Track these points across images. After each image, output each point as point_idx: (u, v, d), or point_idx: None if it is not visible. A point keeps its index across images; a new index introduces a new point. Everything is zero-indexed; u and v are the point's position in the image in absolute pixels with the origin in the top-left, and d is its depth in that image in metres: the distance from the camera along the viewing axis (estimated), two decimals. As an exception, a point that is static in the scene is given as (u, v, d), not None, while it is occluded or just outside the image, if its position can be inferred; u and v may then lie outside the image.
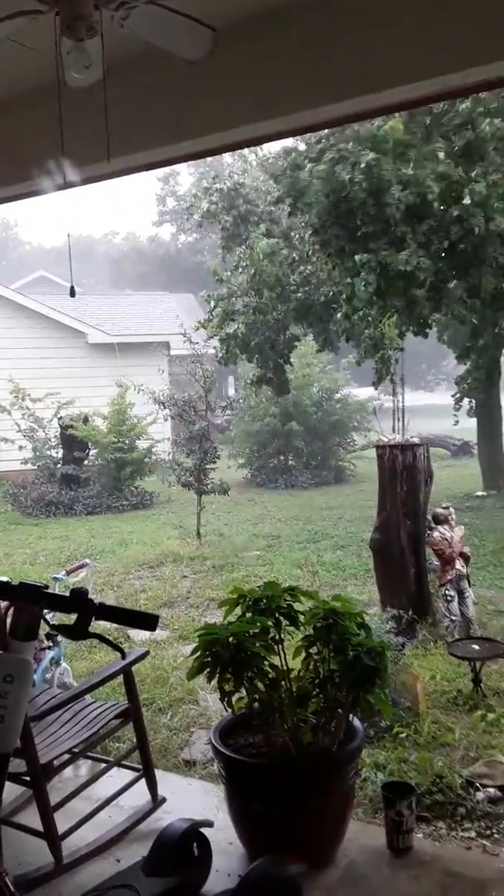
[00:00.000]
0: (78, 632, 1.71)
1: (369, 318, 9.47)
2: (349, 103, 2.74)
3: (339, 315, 10.66)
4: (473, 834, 3.09)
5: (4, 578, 1.84)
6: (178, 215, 32.42)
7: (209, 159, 23.97)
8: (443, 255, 9.18)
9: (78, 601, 1.72)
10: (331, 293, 11.13)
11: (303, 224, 10.53)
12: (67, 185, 3.37)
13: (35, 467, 13.19)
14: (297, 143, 10.53)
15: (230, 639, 2.69)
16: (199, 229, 14.60)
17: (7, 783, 2.69)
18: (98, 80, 2.67)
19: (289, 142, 11.06)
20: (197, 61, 2.63)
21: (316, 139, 9.65)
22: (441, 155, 8.83)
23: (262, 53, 2.82)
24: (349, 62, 2.65)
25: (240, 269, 12.18)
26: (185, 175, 36.22)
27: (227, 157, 15.19)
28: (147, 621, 1.75)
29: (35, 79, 3.16)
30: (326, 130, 9.41)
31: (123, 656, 1.92)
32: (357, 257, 9.26)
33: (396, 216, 8.94)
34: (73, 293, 2.88)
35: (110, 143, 2.83)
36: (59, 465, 12.87)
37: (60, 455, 13.10)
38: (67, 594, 1.76)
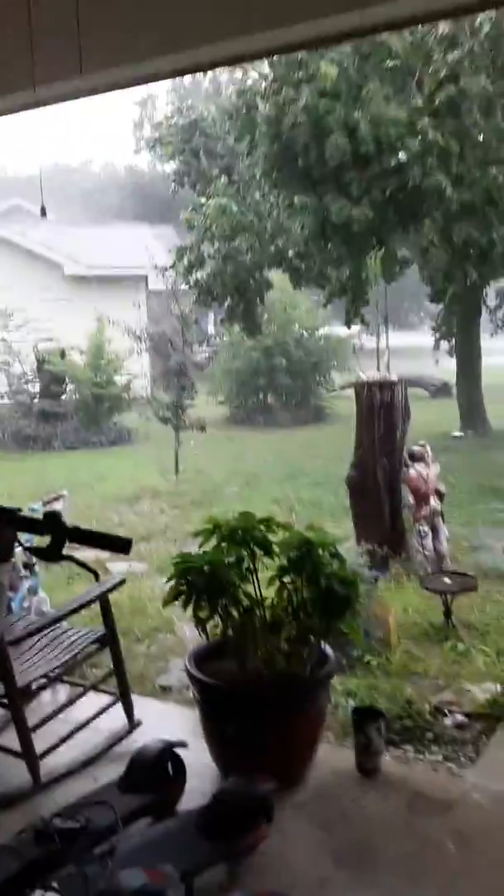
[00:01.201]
0: (51, 553, 1.71)
1: (328, 261, 9.32)
2: (345, 17, 2.62)
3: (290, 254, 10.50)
4: (440, 757, 3.21)
5: (-22, 501, 1.83)
6: (154, 143, 31.42)
7: (187, 85, 23.20)
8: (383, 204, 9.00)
9: (51, 524, 1.72)
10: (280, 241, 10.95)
11: (254, 165, 10.26)
12: (37, 102, 3.23)
13: (11, 402, 13.04)
14: (256, 83, 10.15)
15: (205, 567, 2.72)
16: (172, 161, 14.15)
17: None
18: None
19: (248, 79, 10.64)
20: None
21: (273, 78, 9.32)
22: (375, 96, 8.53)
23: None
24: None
25: (203, 218, 11.90)
26: (163, 100, 34.98)
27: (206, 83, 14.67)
28: (120, 544, 1.76)
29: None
30: (277, 71, 9.10)
31: (97, 577, 1.93)
32: (296, 199, 9.08)
33: (341, 161, 8.70)
34: (43, 213, 2.78)
35: (84, 56, 2.71)
36: (36, 400, 12.74)
37: (37, 389, 12.96)
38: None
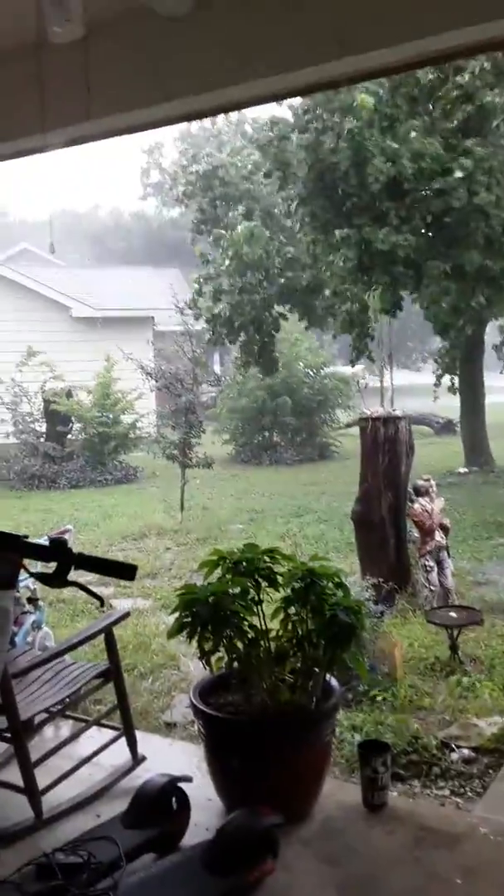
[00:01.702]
0: (57, 579, 1.73)
1: (348, 294, 9.46)
2: (340, 63, 2.70)
3: (327, 293, 10.65)
4: (447, 792, 3.18)
5: (-16, 528, 1.85)
6: (162, 189, 32.04)
7: (194, 132, 23.76)
8: (424, 231, 9.18)
9: (57, 550, 1.74)
10: (315, 275, 11.13)
11: (289, 199, 10.48)
12: (47, 146, 3.33)
13: (18, 441, 13.12)
14: (285, 114, 10.46)
15: (210, 598, 2.72)
16: (186, 209, 14.53)
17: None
18: (79, 37, 2.65)
19: (276, 113, 10.97)
20: (179, 18, 2.60)
21: (303, 110, 9.60)
22: (416, 130, 8.77)
23: (246, 11, 2.78)
24: (337, 19, 2.62)
25: (221, 251, 12.16)
26: (170, 147, 35.75)
27: (210, 130, 15.04)
28: (125, 571, 1.78)
29: (14, 36, 3.10)
30: (312, 101, 9.36)
31: (102, 604, 1.94)
32: (338, 232, 9.24)
33: (378, 189, 8.91)
34: (52, 249, 2.85)
35: (91, 103, 2.81)
36: (42, 439, 12.82)
37: (44, 429, 13.05)
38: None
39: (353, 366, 11.08)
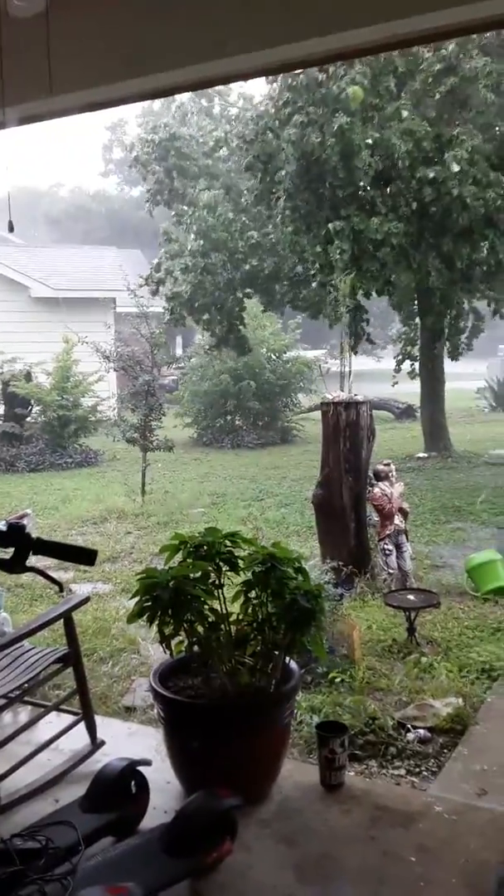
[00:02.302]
0: (15, 565, 1.71)
1: (337, 284, 9.48)
2: (306, 45, 2.68)
3: (314, 284, 10.62)
4: (403, 772, 3.24)
5: None
6: (124, 166, 31.69)
7: (157, 109, 23.47)
8: (411, 218, 9.21)
9: (15, 535, 1.72)
10: (282, 262, 11.10)
11: (269, 191, 10.39)
12: (6, 122, 3.25)
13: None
14: (268, 108, 10.34)
15: (170, 582, 2.72)
16: (144, 182, 14.37)
17: None
18: (41, 10, 2.58)
19: (229, 97, 10.88)
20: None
21: (284, 102, 9.52)
22: (405, 113, 8.78)
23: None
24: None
25: (184, 226, 12.06)
26: (134, 124, 35.26)
27: (173, 108, 14.86)
28: (85, 556, 1.77)
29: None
30: (294, 94, 9.31)
31: (61, 589, 1.93)
32: (331, 225, 9.23)
33: (366, 180, 8.91)
34: (11, 228, 2.79)
35: (53, 78, 2.74)
36: (0, 422, 12.63)
37: (1, 412, 12.86)
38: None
39: (354, 353, 11.11)
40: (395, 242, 9.09)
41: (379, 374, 18.10)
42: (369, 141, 8.82)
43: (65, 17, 2.72)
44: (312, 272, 10.26)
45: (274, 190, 10.10)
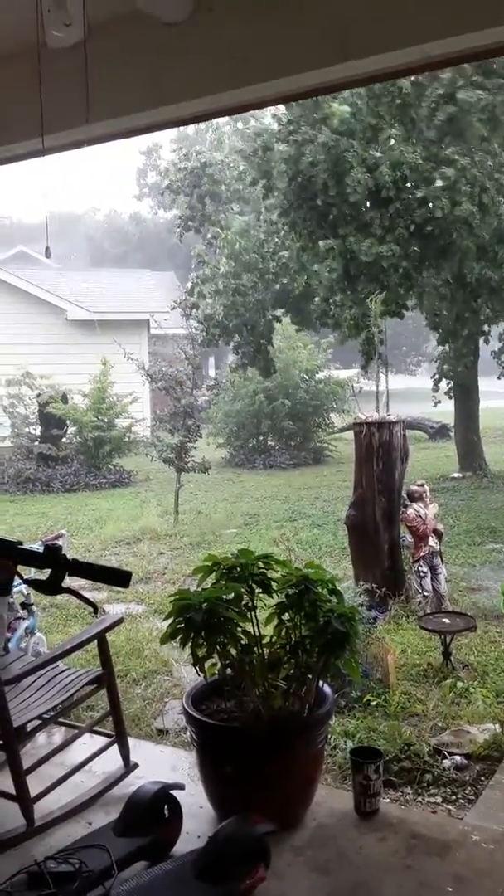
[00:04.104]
0: (51, 586, 1.72)
1: (346, 301, 9.47)
2: (333, 70, 2.71)
3: (316, 299, 10.69)
4: (439, 799, 3.17)
5: (-22, 535, 1.85)
6: (158, 190, 32.20)
7: (191, 133, 23.82)
8: (409, 240, 9.18)
9: (51, 557, 1.74)
10: (305, 281, 11.17)
11: (272, 207, 10.52)
12: (45, 150, 3.33)
13: (12, 444, 13.10)
14: (270, 124, 10.51)
15: (203, 604, 2.72)
16: (176, 207, 14.65)
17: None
18: (79, 41, 2.65)
19: (265, 120, 11.04)
20: (177, 24, 2.61)
21: (287, 120, 9.62)
22: (394, 139, 8.79)
23: (241, 17, 2.78)
24: (331, 26, 2.63)
25: (216, 250, 12.19)
26: (168, 149, 35.79)
27: (209, 133, 15.18)
28: (120, 577, 1.77)
29: (13, 39, 3.11)
30: (294, 112, 9.41)
31: (96, 611, 1.94)
32: (322, 243, 9.26)
33: (359, 200, 8.92)
34: (48, 254, 2.84)
35: (90, 106, 2.80)
36: (37, 443, 12.80)
37: (38, 432, 13.03)
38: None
39: (364, 370, 11.10)
40: (390, 264, 9.05)
41: (414, 393, 18.03)
42: (372, 156, 8.81)
43: (100, 47, 2.79)
44: (314, 288, 10.30)
45: (274, 206, 10.21)
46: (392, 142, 8.78)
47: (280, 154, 9.43)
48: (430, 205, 8.69)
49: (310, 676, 2.84)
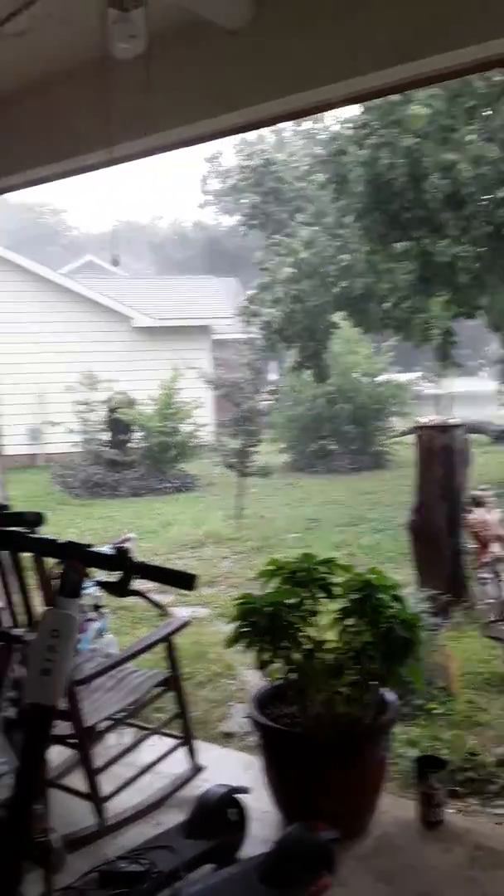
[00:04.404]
0: (120, 588, 1.77)
1: (419, 303, 9.40)
2: (389, 72, 2.71)
3: (386, 304, 10.62)
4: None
5: (52, 537, 1.90)
6: (220, 196, 32.35)
7: (251, 139, 23.94)
8: (484, 241, 9.05)
9: (120, 560, 1.78)
10: (371, 282, 11.11)
11: (344, 210, 10.49)
12: (114, 160, 3.41)
13: (82, 450, 13.37)
14: (343, 129, 10.50)
15: (267, 608, 2.74)
16: (239, 208, 14.78)
17: (54, 746, 2.82)
18: (143, 52, 2.70)
19: (335, 127, 11.06)
20: (238, 31, 2.64)
21: (361, 124, 9.59)
22: (470, 139, 8.67)
23: (301, 21, 2.80)
24: (393, 26, 2.62)
25: (279, 258, 12.23)
26: (231, 155, 35.99)
27: (269, 137, 15.31)
28: (186, 580, 1.80)
29: (79, 53, 3.19)
30: (369, 115, 9.37)
31: (163, 612, 1.98)
32: (398, 245, 9.20)
33: (435, 202, 8.83)
34: (115, 262, 2.91)
35: (156, 116, 2.87)
36: (105, 448, 13.04)
37: (107, 438, 13.28)
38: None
39: (438, 376, 11.02)
40: (464, 266, 8.91)
41: (476, 396, 17.70)
42: (448, 159, 8.70)
43: (164, 57, 2.85)
44: (386, 292, 10.22)
45: (346, 208, 10.16)
46: (470, 137, 8.66)
47: (357, 157, 9.40)
48: None
49: (373, 683, 2.84)
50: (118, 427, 13.00)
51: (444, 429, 5.43)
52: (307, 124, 14.97)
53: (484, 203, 8.72)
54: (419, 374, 13.38)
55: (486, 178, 8.59)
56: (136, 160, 3.68)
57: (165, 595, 6.14)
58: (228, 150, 36.98)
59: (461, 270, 8.96)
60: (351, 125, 10.03)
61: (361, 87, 2.90)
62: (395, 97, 8.92)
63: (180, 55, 3.06)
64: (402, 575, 6.07)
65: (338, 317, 13.13)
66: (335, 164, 10.10)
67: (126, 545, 4.36)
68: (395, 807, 2.98)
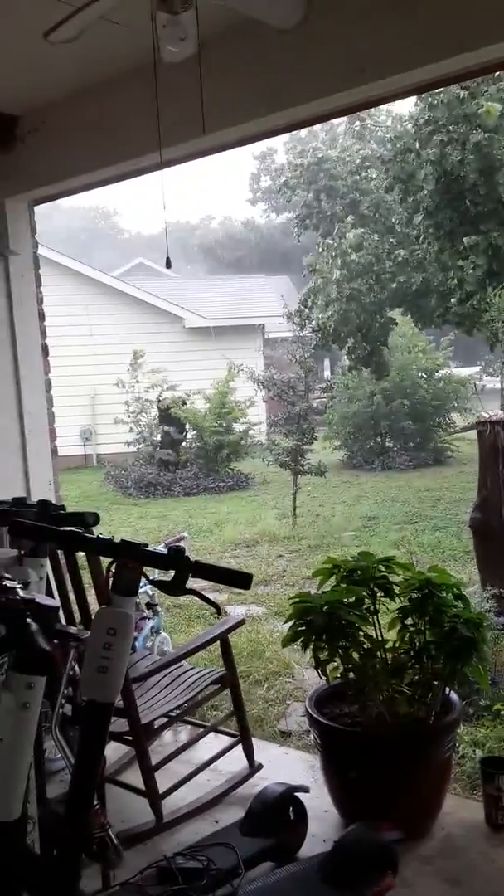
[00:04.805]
0: (175, 587, 1.76)
1: (488, 297, 9.23)
2: (446, 63, 2.66)
3: (453, 299, 10.46)
4: None
5: (107, 537, 1.91)
6: (271, 194, 32.33)
7: (303, 136, 23.90)
8: None
9: (175, 558, 1.77)
10: (431, 277, 10.95)
11: (409, 210, 10.36)
12: (165, 163, 3.42)
13: (136, 449, 13.51)
14: (407, 127, 10.38)
15: (324, 607, 2.70)
16: (291, 206, 14.74)
17: (111, 742, 2.85)
18: (192, 54, 2.70)
19: (397, 127, 10.97)
20: (289, 29, 2.62)
21: (425, 120, 9.47)
22: None
23: (353, 16, 2.77)
24: (443, 19, 2.57)
25: (330, 261, 12.13)
26: (282, 154, 35.94)
27: (321, 133, 15.22)
28: (241, 579, 1.78)
29: (130, 57, 3.22)
30: (434, 113, 9.25)
31: (219, 611, 1.96)
32: (466, 239, 9.06)
33: None
34: (168, 265, 2.92)
35: (206, 117, 2.86)
36: (158, 448, 13.15)
37: (159, 438, 13.39)
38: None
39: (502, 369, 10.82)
40: None
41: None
42: None
43: (213, 59, 2.85)
44: (452, 288, 10.05)
45: (412, 207, 10.03)
46: None
47: (425, 156, 9.32)
48: None
49: (436, 683, 2.78)
50: (171, 426, 13.08)
51: (508, 424, 5.29)
52: (359, 121, 14.83)
53: None
54: (479, 368, 13.10)
55: None
56: (187, 162, 3.69)
57: (220, 594, 6.16)
58: (280, 147, 36.91)
59: None
60: (413, 123, 9.91)
61: (411, 81, 2.87)
62: (459, 92, 8.81)
63: (230, 56, 3.07)
64: (466, 573, 5.98)
65: (395, 313, 12.99)
66: (401, 163, 10.01)
67: (180, 544, 4.37)
68: (460, 808, 2.90)
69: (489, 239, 8.91)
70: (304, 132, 23.70)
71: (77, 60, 3.32)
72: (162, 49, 2.59)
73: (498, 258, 9.00)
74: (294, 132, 24.05)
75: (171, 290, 18.75)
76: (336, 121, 14.51)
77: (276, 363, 10.91)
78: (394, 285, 11.94)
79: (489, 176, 8.72)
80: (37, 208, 4.43)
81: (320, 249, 12.97)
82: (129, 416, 13.42)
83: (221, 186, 68.22)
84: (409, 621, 2.80)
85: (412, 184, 9.96)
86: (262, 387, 10.08)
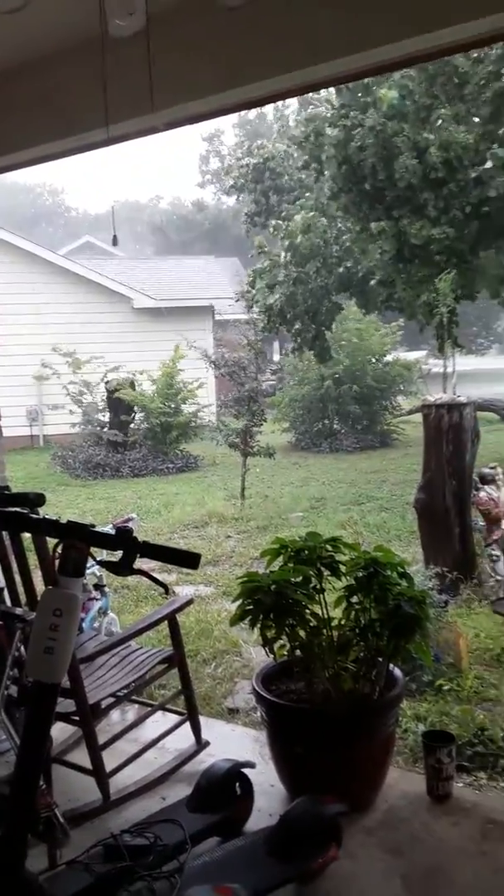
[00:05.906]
0: (123, 568, 1.76)
1: (402, 283, 9.35)
2: (402, 45, 2.66)
3: (372, 282, 10.61)
4: (514, 785, 3.12)
5: (54, 517, 1.89)
6: (220, 175, 32.18)
7: (251, 118, 23.73)
8: (465, 221, 8.99)
9: (123, 539, 1.77)
10: (370, 264, 11.08)
11: (323, 191, 10.50)
12: (112, 139, 3.36)
13: (83, 431, 13.37)
14: (321, 109, 10.46)
15: (272, 586, 2.73)
16: (239, 201, 14.86)
17: (57, 723, 2.83)
18: (141, 29, 2.66)
19: (315, 107, 11.04)
20: (238, 6, 2.60)
21: (339, 104, 9.53)
22: (443, 119, 8.61)
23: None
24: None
25: (279, 241, 12.17)
26: (230, 134, 35.74)
27: (270, 116, 15.23)
28: (189, 559, 1.79)
29: (78, 31, 3.14)
30: (342, 98, 9.32)
31: (167, 591, 1.97)
32: (374, 225, 9.16)
33: (411, 182, 8.76)
34: (115, 242, 2.89)
35: (154, 94, 2.83)
36: (106, 429, 13.04)
37: (107, 419, 13.27)
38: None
39: (443, 354, 10.93)
40: (444, 247, 8.86)
41: (484, 374, 17.63)
42: (425, 138, 8.64)
43: (163, 34, 2.79)
44: (365, 272, 10.22)
45: (324, 190, 10.17)
46: (441, 122, 8.62)
47: (329, 139, 9.39)
48: (486, 185, 8.51)
49: (380, 659, 2.84)
50: (119, 408, 12.97)
51: (452, 407, 5.39)
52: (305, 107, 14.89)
53: (461, 182, 8.67)
54: (425, 352, 13.29)
55: (462, 159, 8.55)
56: (134, 139, 3.62)
57: (169, 574, 6.16)
58: (228, 129, 36.66)
59: (444, 251, 8.95)
60: (327, 107, 10.01)
61: (364, 63, 2.85)
62: (370, 78, 8.86)
63: (180, 32, 3.00)
64: (410, 553, 6.09)
65: (341, 298, 13.06)
66: (312, 146, 10.11)
67: (128, 525, 4.36)
68: (402, 781, 2.98)
69: (398, 226, 9.03)
70: (253, 114, 23.55)
71: (21, 32, 3.22)
72: (109, 23, 2.54)
73: (408, 244, 9.12)
74: (244, 113, 23.88)
75: (119, 270, 18.51)
76: (288, 105, 14.49)
77: (227, 345, 10.87)
78: (340, 270, 12.01)
79: (388, 162, 8.81)
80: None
81: (272, 230, 12.99)
82: (70, 398, 13.29)
83: (170, 166, 67.45)
84: (354, 599, 2.85)
85: (321, 166, 10.09)
86: (212, 365, 10.06)
